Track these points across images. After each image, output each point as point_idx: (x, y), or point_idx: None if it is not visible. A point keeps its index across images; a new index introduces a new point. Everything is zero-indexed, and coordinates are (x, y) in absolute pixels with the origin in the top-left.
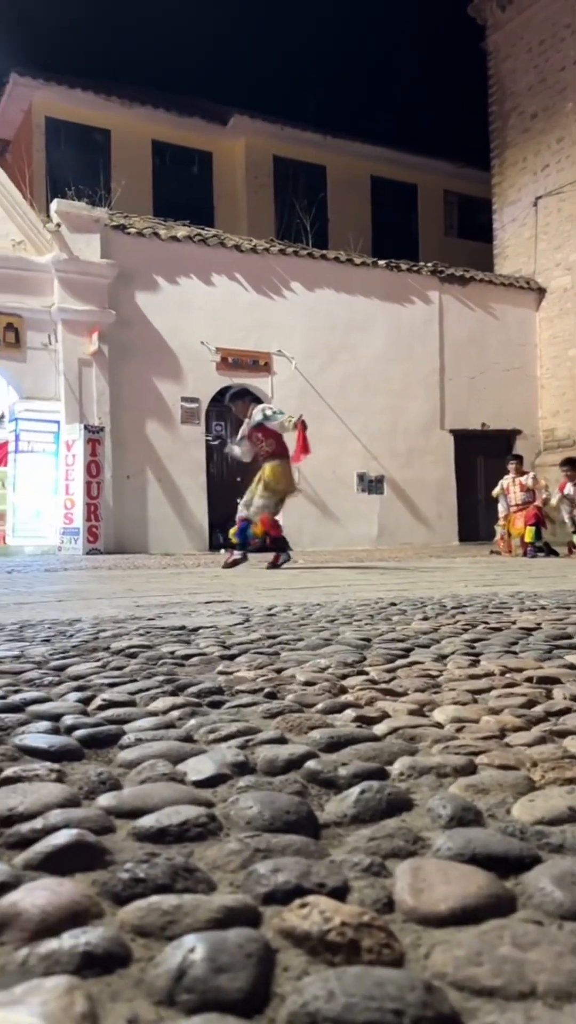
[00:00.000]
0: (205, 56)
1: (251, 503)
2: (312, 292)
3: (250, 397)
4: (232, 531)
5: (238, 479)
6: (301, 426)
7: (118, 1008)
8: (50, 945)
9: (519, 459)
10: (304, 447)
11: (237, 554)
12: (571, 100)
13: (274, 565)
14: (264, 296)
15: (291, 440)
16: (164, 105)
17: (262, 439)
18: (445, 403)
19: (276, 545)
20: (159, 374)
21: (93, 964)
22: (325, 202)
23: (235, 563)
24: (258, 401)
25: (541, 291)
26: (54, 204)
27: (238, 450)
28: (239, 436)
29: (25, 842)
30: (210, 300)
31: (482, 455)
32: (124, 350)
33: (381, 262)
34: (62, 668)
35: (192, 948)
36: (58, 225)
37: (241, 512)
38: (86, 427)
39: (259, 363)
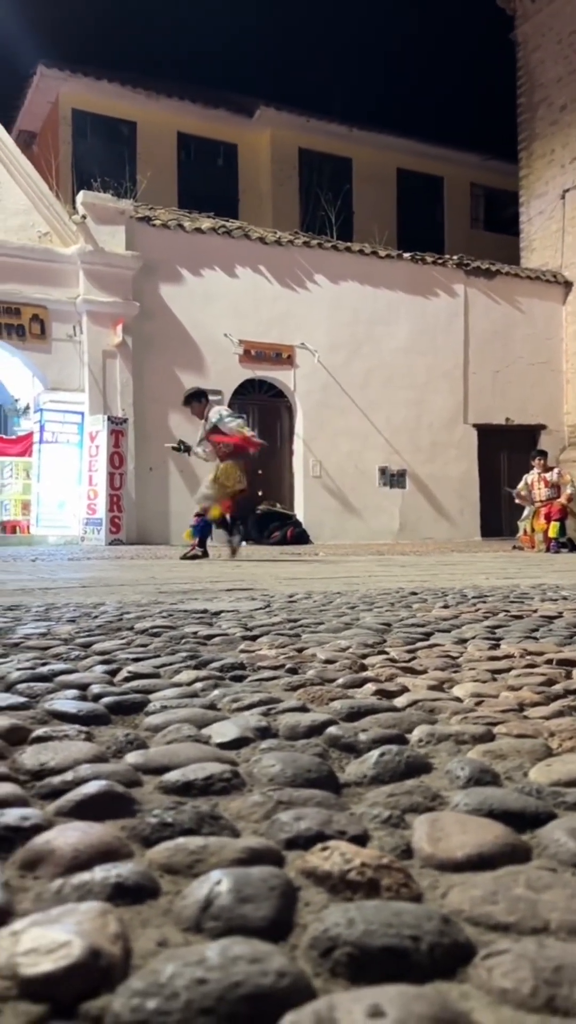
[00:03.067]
0: (231, 48)
1: (200, 498)
2: (336, 285)
3: (206, 398)
4: (187, 532)
5: (259, 472)
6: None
7: (148, 933)
8: (83, 877)
9: (544, 455)
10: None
11: (198, 549)
12: None
13: (188, 556)
14: (288, 288)
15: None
16: (190, 97)
17: (219, 441)
18: (469, 397)
19: (227, 525)
20: (182, 366)
21: (124, 894)
22: (350, 194)
23: (194, 556)
24: (210, 401)
25: (568, 285)
26: (80, 196)
27: (202, 452)
28: (199, 438)
29: (56, 793)
30: (234, 292)
31: (506, 450)
32: (148, 342)
33: (406, 255)
34: (88, 645)
35: (218, 881)
36: (84, 217)
37: (197, 509)
38: (110, 418)
39: (282, 356)
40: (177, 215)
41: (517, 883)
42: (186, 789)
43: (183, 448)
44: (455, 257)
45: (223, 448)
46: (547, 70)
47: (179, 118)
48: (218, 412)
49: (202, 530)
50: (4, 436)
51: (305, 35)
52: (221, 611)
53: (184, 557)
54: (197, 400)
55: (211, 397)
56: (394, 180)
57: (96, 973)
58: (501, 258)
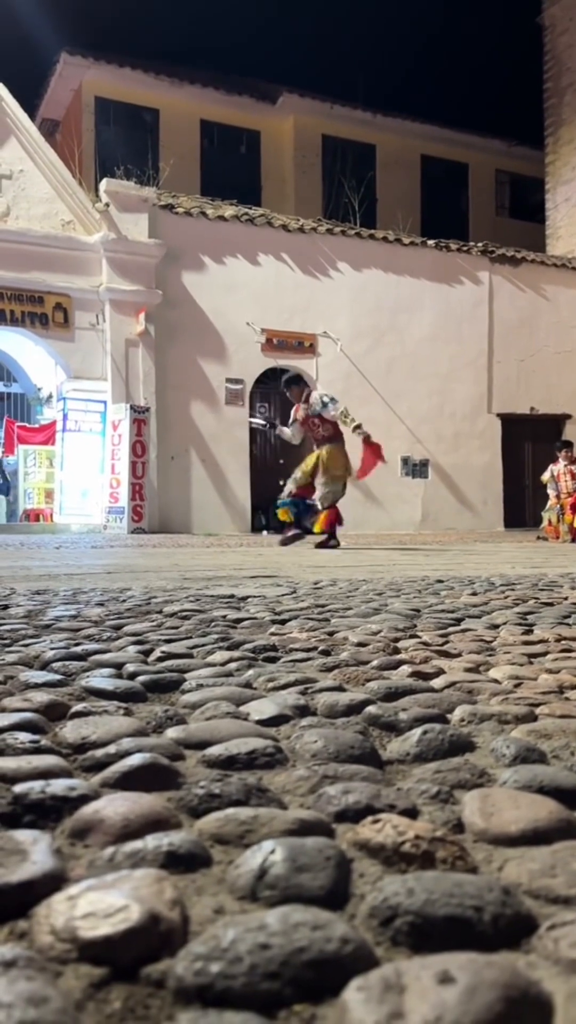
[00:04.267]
0: (254, 34)
1: (299, 481)
2: (359, 272)
3: (303, 383)
4: (283, 511)
5: (280, 461)
6: (367, 443)
7: (204, 900)
8: (135, 845)
9: (569, 445)
10: (372, 462)
11: (294, 530)
12: None
13: (323, 545)
14: (311, 276)
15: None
16: (213, 84)
17: (319, 424)
18: (493, 386)
19: (331, 532)
20: (204, 355)
21: (177, 862)
22: (374, 181)
23: (293, 538)
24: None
25: None
26: (103, 184)
27: (288, 432)
28: (291, 419)
29: (99, 765)
30: (256, 280)
31: (530, 440)
32: (170, 330)
33: (430, 242)
34: (118, 627)
35: (272, 850)
36: (107, 205)
37: (290, 487)
38: (132, 407)
39: (304, 344)
40: (200, 203)
41: (575, 858)
42: (230, 763)
43: (270, 425)
44: (480, 244)
45: (322, 431)
46: (575, 54)
47: (202, 105)
48: (320, 397)
49: (297, 507)
50: (28, 425)
51: (328, 21)
52: (248, 596)
53: (284, 542)
54: (296, 384)
55: (232, 387)
56: (418, 166)
57: (155, 937)
58: (526, 245)
